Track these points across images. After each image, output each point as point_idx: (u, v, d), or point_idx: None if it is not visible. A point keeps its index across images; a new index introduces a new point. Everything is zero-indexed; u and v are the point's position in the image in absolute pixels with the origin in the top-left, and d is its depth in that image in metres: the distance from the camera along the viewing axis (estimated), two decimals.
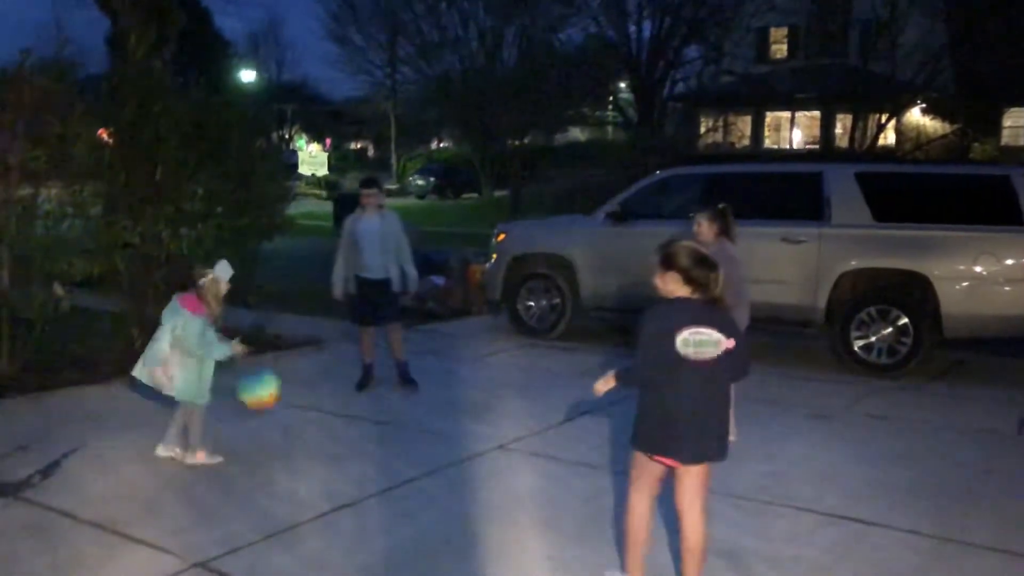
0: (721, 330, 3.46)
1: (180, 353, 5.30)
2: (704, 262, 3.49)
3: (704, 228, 5.84)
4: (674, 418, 3.49)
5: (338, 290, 7.22)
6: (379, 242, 7.04)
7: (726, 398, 3.66)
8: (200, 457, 5.46)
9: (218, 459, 5.46)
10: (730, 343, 3.46)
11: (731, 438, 3.95)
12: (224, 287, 5.38)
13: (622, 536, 3.84)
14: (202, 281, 5.32)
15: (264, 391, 5.38)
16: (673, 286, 3.52)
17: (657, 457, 3.59)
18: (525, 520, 4.67)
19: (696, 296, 3.50)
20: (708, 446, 3.55)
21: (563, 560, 4.19)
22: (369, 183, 7.25)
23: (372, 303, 7.07)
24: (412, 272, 7.18)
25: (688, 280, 3.49)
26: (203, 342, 5.27)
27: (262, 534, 4.40)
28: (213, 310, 5.35)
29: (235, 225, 8.51)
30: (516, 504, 4.90)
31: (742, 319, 5.77)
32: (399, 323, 7.32)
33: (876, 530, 4.54)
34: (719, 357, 3.46)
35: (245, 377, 5.45)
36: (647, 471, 3.65)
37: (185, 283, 5.49)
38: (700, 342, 3.43)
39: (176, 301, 5.36)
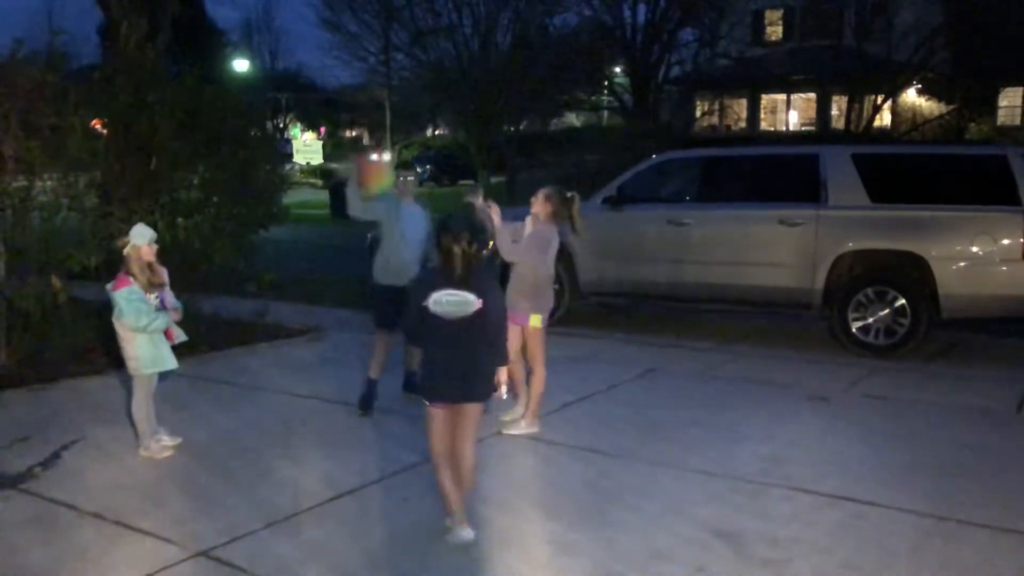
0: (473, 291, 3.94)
1: (127, 332, 5.21)
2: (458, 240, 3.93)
3: (538, 203, 5.87)
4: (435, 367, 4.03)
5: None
6: (418, 236, 6.52)
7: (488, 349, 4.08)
8: (153, 450, 5.35)
9: (166, 452, 5.37)
10: (479, 303, 3.93)
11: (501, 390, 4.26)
12: (147, 251, 5.21)
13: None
14: (125, 251, 5.18)
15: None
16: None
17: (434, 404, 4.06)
18: (525, 505, 4.69)
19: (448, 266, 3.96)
20: (470, 390, 4.01)
21: (563, 544, 4.20)
22: (407, 164, 6.41)
23: (397, 305, 5.93)
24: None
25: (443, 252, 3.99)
26: (140, 312, 5.12)
27: (263, 522, 4.41)
28: (141, 279, 5.18)
29: (232, 214, 8.50)
30: (516, 489, 4.92)
31: (544, 302, 5.84)
32: None
33: (875, 510, 4.56)
34: (472, 316, 3.93)
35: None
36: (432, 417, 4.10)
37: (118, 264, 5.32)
38: (452, 302, 3.92)
39: (108, 288, 5.22)
